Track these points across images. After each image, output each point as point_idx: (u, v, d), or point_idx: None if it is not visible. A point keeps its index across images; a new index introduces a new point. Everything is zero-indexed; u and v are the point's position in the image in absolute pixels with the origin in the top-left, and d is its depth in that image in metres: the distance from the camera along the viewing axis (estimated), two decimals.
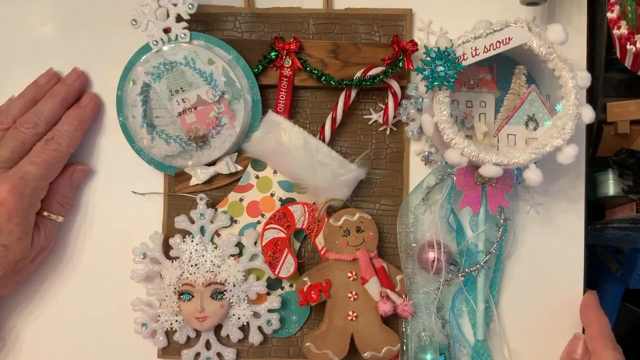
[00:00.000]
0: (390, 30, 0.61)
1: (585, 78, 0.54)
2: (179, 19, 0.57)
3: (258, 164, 0.61)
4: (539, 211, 0.62)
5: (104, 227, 0.62)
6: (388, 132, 0.62)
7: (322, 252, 0.60)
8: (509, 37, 0.54)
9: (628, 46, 0.58)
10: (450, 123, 0.54)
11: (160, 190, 0.62)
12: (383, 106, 0.61)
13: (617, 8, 0.59)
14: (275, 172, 0.60)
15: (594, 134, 0.66)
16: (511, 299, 0.62)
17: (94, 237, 0.62)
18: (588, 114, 0.55)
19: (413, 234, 0.60)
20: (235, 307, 0.59)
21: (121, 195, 0.62)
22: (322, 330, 0.58)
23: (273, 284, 0.61)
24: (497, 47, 0.54)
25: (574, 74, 0.54)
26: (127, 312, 0.60)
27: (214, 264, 0.59)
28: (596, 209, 0.73)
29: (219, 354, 0.60)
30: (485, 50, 0.54)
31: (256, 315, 0.60)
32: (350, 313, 0.58)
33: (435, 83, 0.53)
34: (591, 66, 0.63)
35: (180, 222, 0.59)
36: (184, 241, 0.59)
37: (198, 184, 0.60)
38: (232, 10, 0.61)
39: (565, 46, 0.55)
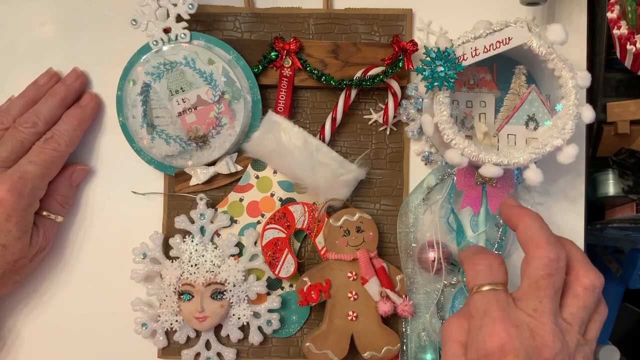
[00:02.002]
0: (390, 30, 0.61)
1: (585, 78, 0.54)
2: (179, 19, 0.57)
3: (258, 164, 0.61)
4: (539, 211, 0.62)
5: (104, 227, 0.62)
6: (388, 132, 0.62)
7: (322, 252, 0.60)
8: (508, 37, 0.54)
9: (628, 46, 0.58)
10: (450, 123, 0.54)
11: (160, 190, 0.62)
12: (383, 106, 0.61)
13: (617, 8, 0.59)
14: (275, 172, 0.60)
15: (594, 134, 0.66)
16: None
17: (94, 237, 0.62)
18: (588, 114, 0.54)
19: (413, 234, 0.60)
20: (235, 307, 0.59)
21: (121, 195, 0.62)
22: (322, 330, 0.58)
23: (273, 284, 0.61)
24: (497, 47, 0.54)
25: (574, 74, 0.54)
26: (127, 312, 0.60)
27: (214, 264, 0.59)
28: (596, 209, 0.73)
29: (219, 354, 0.60)
30: (485, 50, 0.54)
31: (256, 315, 0.60)
32: (350, 313, 0.58)
33: (435, 83, 0.53)
34: (591, 66, 0.63)
35: (180, 222, 0.59)
36: (184, 241, 0.59)
37: (198, 184, 0.60)
38: (232, 10, 0.61)
39: (565, 46, 0.55)
